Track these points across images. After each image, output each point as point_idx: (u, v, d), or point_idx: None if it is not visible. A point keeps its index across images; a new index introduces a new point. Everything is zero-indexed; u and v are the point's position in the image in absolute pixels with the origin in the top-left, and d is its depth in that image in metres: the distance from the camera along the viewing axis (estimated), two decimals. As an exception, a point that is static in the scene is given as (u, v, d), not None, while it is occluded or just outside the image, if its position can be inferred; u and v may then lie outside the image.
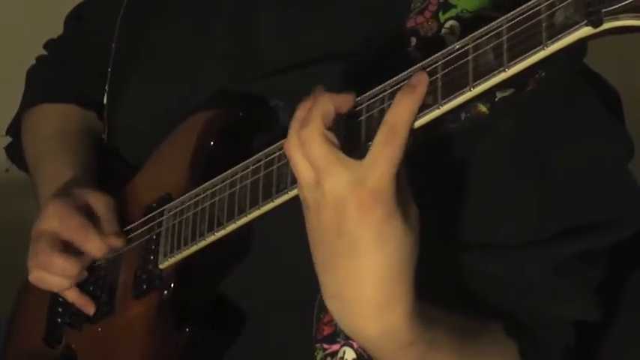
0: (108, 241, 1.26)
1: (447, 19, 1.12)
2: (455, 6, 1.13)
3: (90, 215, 1.28)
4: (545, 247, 1.11)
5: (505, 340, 1.09)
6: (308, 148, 0.89)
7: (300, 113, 0.92)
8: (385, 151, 0.87)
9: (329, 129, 0.90)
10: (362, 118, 0.95)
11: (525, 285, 1.11)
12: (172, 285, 1.20)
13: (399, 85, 0.94)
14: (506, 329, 1.10)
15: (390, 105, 0.90)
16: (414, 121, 0.89)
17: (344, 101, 0.93)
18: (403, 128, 0.87)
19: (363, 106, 0.96)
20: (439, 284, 1.10)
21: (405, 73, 0.94)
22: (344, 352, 1.13)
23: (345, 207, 0.88)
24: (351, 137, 0.93)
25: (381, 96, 0.95)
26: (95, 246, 1.26)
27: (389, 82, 0.95)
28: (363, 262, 0.89)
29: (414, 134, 0.90)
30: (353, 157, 0.88)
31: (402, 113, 0.88)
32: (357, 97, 0.96)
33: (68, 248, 1.26)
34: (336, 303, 0.94)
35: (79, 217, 1.27)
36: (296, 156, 0.91)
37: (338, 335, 1.13)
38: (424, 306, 0.95)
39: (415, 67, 0.94)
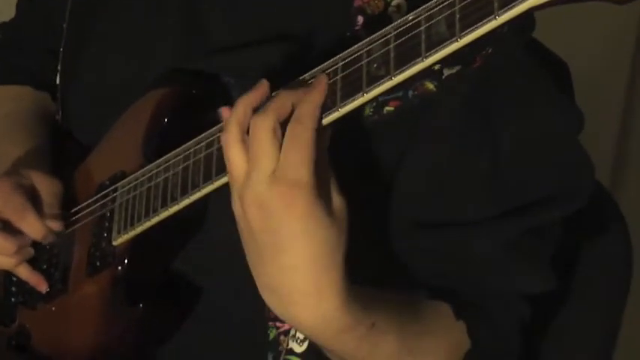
0: (46, 223, 1.25)
1: (392, 1, 1.12)
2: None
3: (33, 196, 1.27)
4: (496, 224, 1.11)
5: (453, 320, 1.09)
6: (257, 136, 0.90)
7: (242, 105, 0.94)
8: (296, 144, 0.89)
9: None
10: None
11: (477, 262, 1.12)
12: (126, 261, 1.20)
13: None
14: (455, 309, 1.10)
15: None
16: (320, 116, 0.92)
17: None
18: (310, 121, 0.89)
19: None
20: (383, 268, 1.12)
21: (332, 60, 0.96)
22: (296, 330, 1.13)
23: (268, 203, 0.89)
24: None
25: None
26: (32, 227, 1.25)
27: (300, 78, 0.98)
28: (289, 254, 0.90)
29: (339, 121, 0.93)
30: None
31: (307, 107, 0.90)
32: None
33: (8, 227, 1.25)
34: (269, 295, 0.95)
35: (20, 196, 1.26)
36: (235, 145, 0.92)
37: None
38: (362, 290, 0.96)
39: (356, 46, 0.95)
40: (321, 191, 0.90)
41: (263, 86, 0.96)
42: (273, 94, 0.96)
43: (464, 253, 1.12)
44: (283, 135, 0.90)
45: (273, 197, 0.89)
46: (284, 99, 0.92)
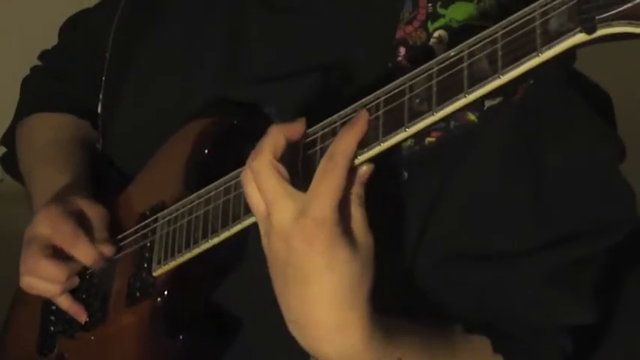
0: (98, 248, 1.26)
1: (435, 29, 1.13)
2: (443, 15, 1.13)
3: (82, 222, 1.27)
4: (538, 256, 1.11)
5: (490, 353, 1.09)
6: (258, 180, 0.92)
7: (259, 146, 0.95)
8: (325, 182, 0.89)
9: (281, 160, 0.93)
10: (317, 147, 0.97)
11: (518, 294, 1.11)
12: (166, 292, 1.20)
13: (348, 118, 0.97)
14: (493, 342, 1.09)
15: None
16: (355, 153, 0.92)
17: (295, 131, 0.96)
18: (343, 159, 0.90)
19: (318, 135, 0.98)
20: (417, 300, 1.12)
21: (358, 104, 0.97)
22: None
23: (291, 238, 0.90)
24: (307, 166, 0.96)
25: (333, 126, 0.98)
26: (84, 253, 1.25)
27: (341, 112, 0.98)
28: (312, 289, 0.91)
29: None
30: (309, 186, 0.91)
31: (342, 145, 0.91)
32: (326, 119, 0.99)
33: (58, 254, 1.26)
34: (295, 327, 0.96)
35: (70, 223, 1.26)
36: (248, 187, 0.94)
37: None
38: (390, 323, 0.97)
39: (384, 88, 0.96)
40: (345, 228, 0.91)
41: (275, 130, 0.96)
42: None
43: (504, 285, 1.11)
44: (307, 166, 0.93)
45: (295, 233, 0.90)
46: (275, 133, 0.94)
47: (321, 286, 0.91)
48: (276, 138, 0.93)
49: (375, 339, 0.94)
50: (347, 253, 0.90)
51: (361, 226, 0.93)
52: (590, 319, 1.14)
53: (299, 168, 0.95)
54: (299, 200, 0.90)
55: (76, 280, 1.28)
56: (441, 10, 1.14)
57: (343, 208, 0.90)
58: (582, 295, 1.13)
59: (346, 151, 0.90)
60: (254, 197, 0.94)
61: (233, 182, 1.12)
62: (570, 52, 1.11)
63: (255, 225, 1.07)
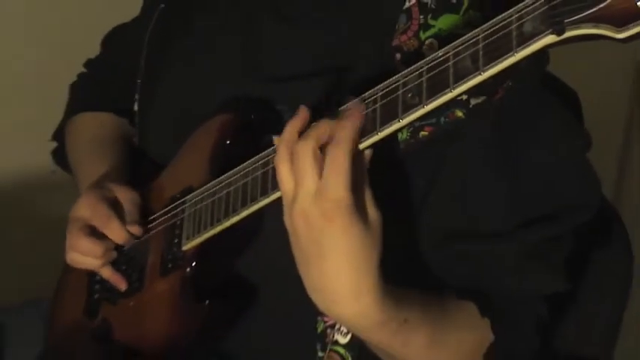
0: (127, 229, 1.26)
1: (427, 38, 1.13)
2: (433, 26, 1.13)
3: (115, 206, 1.28)
4: (519, 235, 1.10)
5: (478, 317, 1.08)
6: (297, 160, 0.91)
7: (289, 130, 0.95)
8: (335, 165, 0.89)
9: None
10: None
11: (501, 266, 1.10)
12: (194, 263, 1.20)
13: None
14: (480, 307, 1.08)
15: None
16: (357, 139, 0.92)
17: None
18: (347, 143, 0.89)
19: None
20: (414, 271, 1.11)
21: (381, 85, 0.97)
22: (339, 326, 1.13)
23: (311, 217, 0.90)
24: None
25: None
26: (116, 233, 1.26)
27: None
28: (330, 261, 0.91)
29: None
30: None
31: (344, 132, 0.90)
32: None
33: (95, 233, 1.26)
34: (316, 295, 0.96)
35: (105, 206, 1.27)
36: (282, 165, 0.93)
37: None
38: (395, 290, 0.96)
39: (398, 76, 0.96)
40: (358, 206, 0.90)
41: (303, 111, 0.96)
42: (313, 124, 0.96)
43: (489, 259, 1.10)
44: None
45: (315, 213, 0.89)
46: (324, 126, 0.93)
47: (338, 259, 0.90)
48: (323, 130, 0.92)
49: (384, 302, 0.93)
50: (361, 229, 0.90)
51: (371, 204, 0.92)
52: (561, 288, 1.13)
53: None
54: (317, 183, 0.89)
55: (114, 254, 1.28)
56: (431, 22, 1.13)
57: (355, 188, 0.89)
58: (555, 267, 1.12)
59: (348, 137, 0.90)
60: (285, 175, 0.93)
61: (251, 168, 1.12)
62: (544, 55, 1.11)
63: (270, 204, 1.09)
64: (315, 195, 0.89)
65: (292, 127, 0.95)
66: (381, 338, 0.99)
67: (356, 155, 0.90)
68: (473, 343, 1.06)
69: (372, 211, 0.92)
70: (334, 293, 0.93)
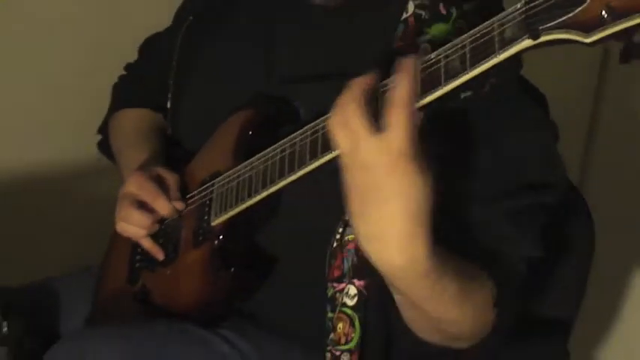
0: (172, 203, 1.27)
1: (422, 42, 1.13)
2: (427, 33, 1.13)
3: (160, 184, 1.28)
4: (504, 201, 1.09)
5: (484, 276, 1.04)
6: (349, 122, 0.88)
7: (344, 96, 0.91)
8: (398, 121, 0.85)
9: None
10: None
11: (491, 230, 1.08)
12: (221, 237, 1.21)
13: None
14: (488, 271, 1.05)
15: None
16: (413, 99, 0.88)
17: (370, 81, 0.92)
18: (408, 99, 0.86)
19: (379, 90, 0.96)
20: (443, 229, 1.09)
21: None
22: (348, 289, 1.12)
23: (375, 167, 0.86)
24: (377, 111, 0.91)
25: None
26: (163, 206, 1.26)
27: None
28: (391, 208, 0.87)
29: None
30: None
31: (403, 90, 0.86)
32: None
33: (143, 207, 1.27)
34: (369, 242, 0.90)
35: (152, 184, 1.27)
36: (337, 128, 0.89)
37: (344, 276, 1.13)
38: (435, 245, 0.92)
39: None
40: (417, 157, 0.86)
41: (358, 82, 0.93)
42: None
43: (480, 224, 1.08)
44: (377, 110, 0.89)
45: (380, 163, 0.86)
46: (370, 79, 0.92)
47: (398, 205, 0.86)
48: (360, 89, 0.90)
49: (432, 251, 0.90)
50: (419, 178, 0.86)
51: (426, 158, 0.89)
52: (538, 254, 1.11)
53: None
54: (380, 137, 0.86)
55: (156, 227, 1.28)
56: (425, 30, 1.14)
57: (413, 142, 0.86)
58: (534, 234, 1.11)
59: (409, 94, 0.86)
60: (342, 136, 0.89)
61: (270, 155, 1.13)
62: (519, 61, 1.11)
63: (285, 188, 1.10)
64: (378, 147, 0.86)
65: (347, 95, 0.91)
66: (422, 288, 0.93)
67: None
68: (485, 296, 1.02)
69: (425, 164, 0.88)
70: (391, 239, 0.88)
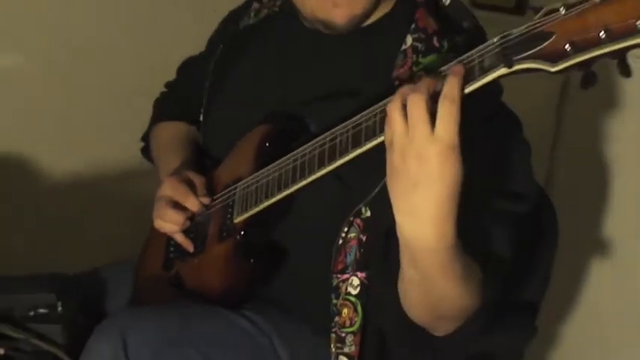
0: (202, 201, 1.27)
1: (417, 70, 1.12)
2: (422, 63, 1.13)
3: (190, 186, 1.28)
4: (489, 205, 1.07)
5: (474, 261, 1.01)
6: (411, 106, 0.87)
7: (406, 88, 0.90)
8: (448, 115, 0.85)
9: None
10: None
11: (480, 228, 1.06)
12: (242, 232, 1.21)
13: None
14: (480, 264, 1.03)
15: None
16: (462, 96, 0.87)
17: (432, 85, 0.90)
18: (456, 97, 0.86)
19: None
20: None
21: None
22: (352, 280, 1.12)
23: (427, 155, 0.85)
24: None
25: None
26: (193, 204, 1.26)
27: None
28: (434, 190, 0.86)
29: None
30: None
31: (453, 88, 0.86)
32: None
33: (176, 206, 1.27)
34: (410, 218, 0.90)
35: (183, 186, 1.27)
36: (395, 111, 0.88)
37: (347, 269, 1.12)
38: None
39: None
40: (459, 149, 0.86)
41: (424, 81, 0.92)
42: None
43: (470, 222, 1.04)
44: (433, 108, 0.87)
45: (432, 152, 0.85)
46: (431, 82, 0.90)
47: (440, 188, 0.86)
48: (431, 85, 0.89)
49: (456, 230, 0.90)
50: (460, 167, 0.86)
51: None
52: (513, 250, 1.09)
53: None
54: (434, 129, 0.85)
55: (188, 223, 1.28)
56: (421, 60, 1.13)
57: (458, 135, 0.86)
58: (512, 235, 1.09)
59: (457, 91, 0.86)
60: (400, 120, 0.88)
61: (284, 164, 1.13)
62: (499, 86, 1.10)
63: (298, 190, 1.10)
64: (431, 138, 0.85)
65: (406, 87, 0.90)
66: (440, 262, 0.92)
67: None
68: (477, 280, 1.00)
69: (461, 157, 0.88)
70: (428, 216, 0.87)
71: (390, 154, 0.89)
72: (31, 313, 1.22)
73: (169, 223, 1.27)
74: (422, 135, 0.85)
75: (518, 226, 1.10)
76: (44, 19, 2.01)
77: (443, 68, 0.91)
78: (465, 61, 0.89)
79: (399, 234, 0.93)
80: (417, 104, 0.86)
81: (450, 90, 0.86)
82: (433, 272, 0.93)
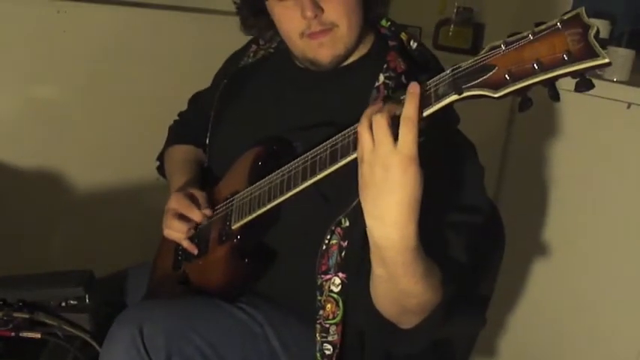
0: (203, 212, 1.24)
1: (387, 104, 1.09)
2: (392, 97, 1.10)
3: (193, 200, 1.26)
4: (448, 216, 1.05)
5: (434, 263, 0.99)
6: (376, 126, 0.86)
7: (370, 110, 0.89)
8: (407, 132, 0.84)
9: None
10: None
11: (440, 235, 1.04)
12: (238, 237, 1.18)
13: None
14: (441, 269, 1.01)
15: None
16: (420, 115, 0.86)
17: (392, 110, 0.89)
18: (414, 116, 0.84)
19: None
20: None
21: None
22: (334, 279, 1.09)
23: (390, 166, 0.84)
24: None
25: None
26: (196, 215, 1.24)
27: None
28: (397, 197, 0.85)
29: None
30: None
31: (410, 109, 0.85)
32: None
33: (182, 217, 1.25)
34: (377, 221, 0.88)
35: (187, 200, 1.25)
36: (364, 130, 0.88)
37: (330, 270, 1.09)
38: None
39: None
40: (418, 161, 0.85)
41: (377, 104, 0.91)
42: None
43: (430, 232, 1.01)
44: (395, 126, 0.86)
45: (394, 162, 0.84)
46: (392, 105, 0.89)
47: (402, 194, 0.85)
48: (391, 110, 0.88)
49: (417, 233, 0.88)
50: (419, 177, 0.85)
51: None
52: (468, 256, 1.06)
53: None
54: (396, 144, 0.84)
55: (192, 232, 1.26)
56: (391, 94, 1.11)
57: (417, 149, 0.85)
58: (467, 242, 1.07)
59: (415, 111, 0.85)
60: (367, 138, 0.87)
61: (273, 179, 1.11)
62: (456, 117, 1.07)
63: (285, 201, 1.07)
64: (393, 151, 0.84)
65: (370, 109, 0.89)
66: (404, 261, 0.90)
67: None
68: (437, 280, 0.98)
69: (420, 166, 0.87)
70: (393, 220, 0.86)
71: (361, 168, 0.88)
72: (63, 304, 1.21)
73: (176, 232, 1.25)
74: (386, 149, 0.85)
75: (473, 234, 1.07)
76: (77, 58, 2.05)
77: (402, 97, 0.89)
78: (423, 89, 0.87)
79: (369, 236, 0.91)
80: (380, 124, 0.86)
81: (408, 111, 0.85)
82: (398, 270, 0.91)
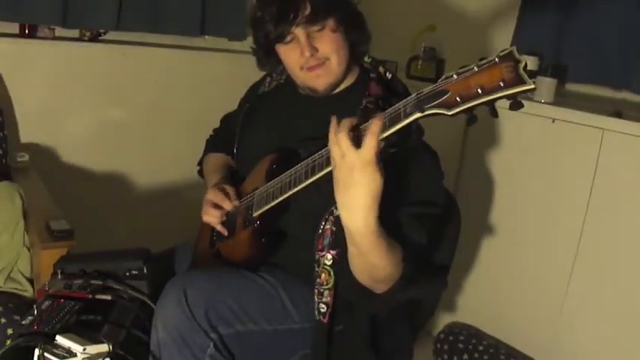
0: (232, 202, 1.24)
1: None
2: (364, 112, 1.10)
3: (225, 193, 1.26)
4: (410, 207, 1.04)
5: (397, 243, 0.99)
6: (339, 142, 0.87)
7: (332, 131, 0.89)
8: (369, 143, 0.84)
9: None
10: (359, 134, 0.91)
11: (402, 225, 1.03)
12: (258, 222, 1.18)
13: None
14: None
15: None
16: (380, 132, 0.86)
17: (350, 125, 0.90)
18: (375, 132, 0.85)
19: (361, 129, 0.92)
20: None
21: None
22: (327, 255, 1.09)
23: (354, 168, 0.85)
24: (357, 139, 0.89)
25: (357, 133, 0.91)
26: (227, 204, 1.24)
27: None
28: (360, 191, 0.86)
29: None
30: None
31: (375, 127, 0.85)
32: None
33: (216, 206, 1.24)
34: (346, 210, 0.89)
35: (221, 193, 1.25)
36: (334, 145, 0.88)
37: (324, 248, 1.09)
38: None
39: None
40: (378, 166, 0.85)
41: (334, 124, 0.90)
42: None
43: (397, 224, 1.03)
44: (359, 139, 0.86)
45: (357, 165, 0.85)
46: (350, 121, 0.89)
47: (365, 190, 0.86)
48: (347, 127, 0.88)
49: (378, 219, 0.89)
50: (378, 177, 0.86)
51: (381, 167, 0.87)
52: (426, 240, 1.06)
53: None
54: (358, 151, 0.85)
55: (224, 217, 1.25)
56: (365, 111, 1.10)
57: (377, 156, 0.85)
58: (426, 229, 1.06)
59: (376, 128, 0.85)
60: (336, 150, 0.88)
61: (284, 177, 1.10)
62: (421, 130, 1.06)
63: (293, 195, 1.06)
64: (356, 156, 0.85)
65: (332, 131, 0.90)
66: (370, 241, 0.91)
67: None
68: (399, 255, 0.98)
69: (383, 171, 0.87)
70: (358, 209, 0.87)
71: (334, 170, 0.90)
72: (127, 274, 1.20)
73: (212, 217, 1.24)
74: (350, 155, 0.86)
75: (433, 222, 1.08)
76: (137, 89, 2.09)
77: (373, 115, 0.89)
78: (394, 109, 0.87)
79: (342, 222, 0.92)
80: (342, 139, 0.87)
81: (373, 128, 0.86)
82: (365, 248, 0.93)
